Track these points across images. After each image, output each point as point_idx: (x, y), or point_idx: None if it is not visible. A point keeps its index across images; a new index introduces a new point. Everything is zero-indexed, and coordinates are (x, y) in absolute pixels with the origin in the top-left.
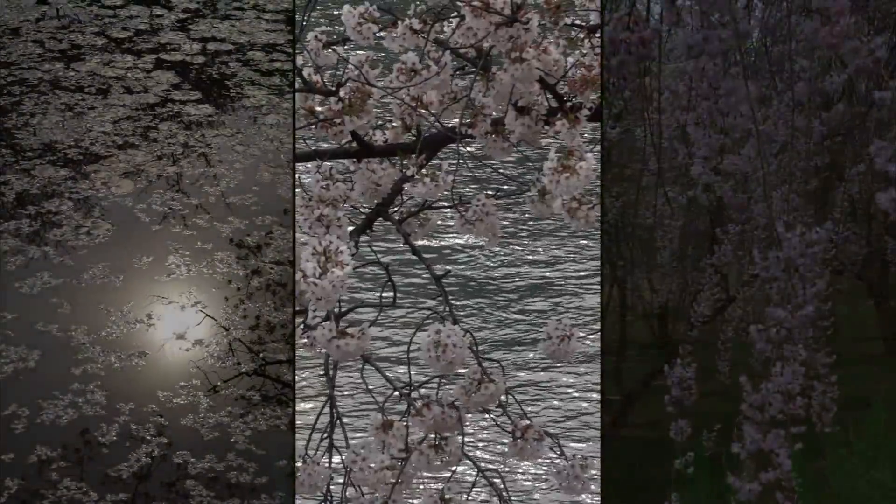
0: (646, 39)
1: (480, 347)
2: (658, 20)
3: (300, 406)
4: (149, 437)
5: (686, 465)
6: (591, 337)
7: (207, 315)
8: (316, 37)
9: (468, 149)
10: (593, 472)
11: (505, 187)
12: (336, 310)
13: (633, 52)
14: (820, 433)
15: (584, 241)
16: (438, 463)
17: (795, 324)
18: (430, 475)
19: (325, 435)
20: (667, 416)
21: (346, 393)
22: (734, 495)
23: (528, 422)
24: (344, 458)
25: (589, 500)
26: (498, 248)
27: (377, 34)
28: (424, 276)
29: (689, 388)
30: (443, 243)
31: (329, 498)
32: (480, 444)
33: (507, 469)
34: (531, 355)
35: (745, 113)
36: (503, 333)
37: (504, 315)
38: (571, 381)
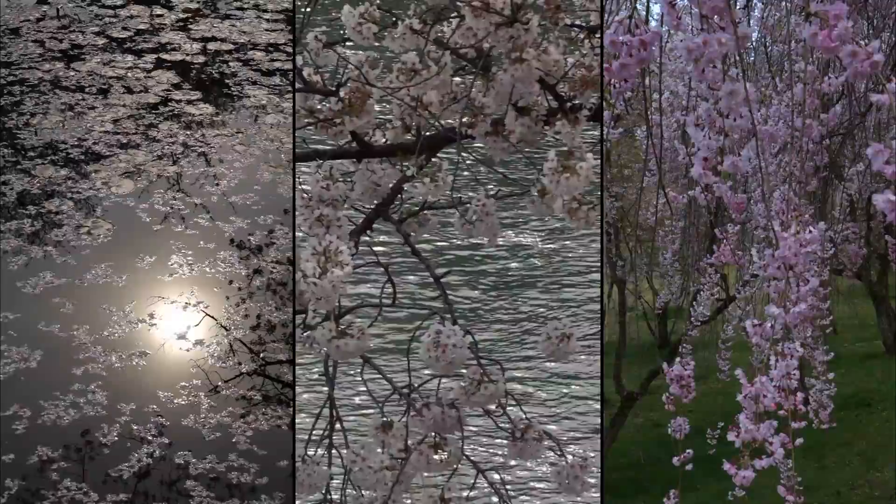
0: (646, 42)
1: None
2: (658, 21)
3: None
4: (150, 438)
5: (684, 464)
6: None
7: (208, 315)
8: (316, 37)
9: (473, 154)
10: (593, 471)
11: (503, 189)
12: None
13: (634, 54)
14: (818, 431)
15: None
16: (438, 463)
17: (790, 321)
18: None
19: (325, 435)
20: (666, 416)
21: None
22: (738, 489)
23: (528, 422)
24: (344, 458)
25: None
26: None
27: (377, 34)
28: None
29: (688, 385)
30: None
31: (329, 498)
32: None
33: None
34: None
35: (744, 114)
36: None
37: None
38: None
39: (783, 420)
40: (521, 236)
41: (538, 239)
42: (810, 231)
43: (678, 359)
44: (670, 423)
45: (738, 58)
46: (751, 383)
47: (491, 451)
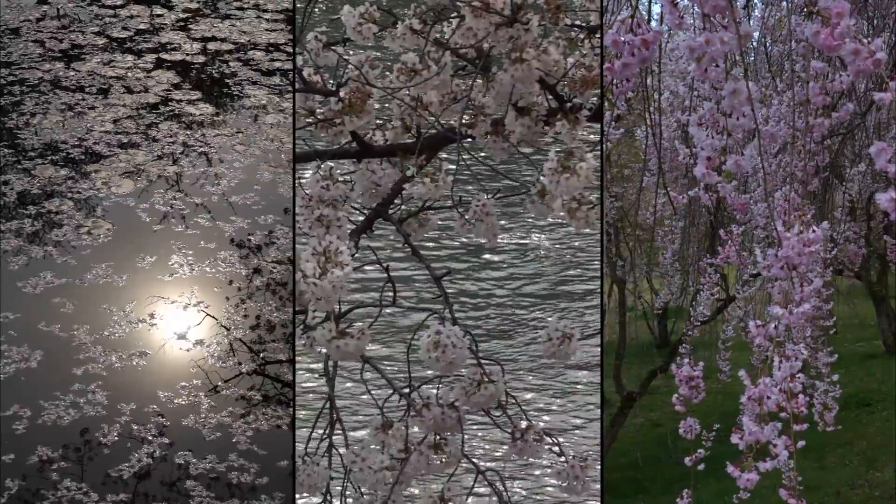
0: (648, 41)
1: None
2: (658, 21)
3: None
4: (150, 438)
5: (696, 464)
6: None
7: (208, 315)
8: (316, 37)
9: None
10: (593, 472)
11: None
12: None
13: (636, 53)
14: (819, 431)
15: None
16: (438, 463)
17: (793, 321)
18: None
19: (325, 435)
20: (666, 416)
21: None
22: (742, 491)
23: (528, 422)
24: (344, 458)
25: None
26: None
27: (377, 34)
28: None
29: (698, 386)
30: None
31: (329, 498)
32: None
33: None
34: None
35: (747, 114)
36: None
37: None
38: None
39: (785, 421)
40: (523, 237)
41: (544, 239)
42: (814, 231)
43: (686, 360)
44: (680, 423)
45: (738, 57)
46: (754, 385)
47: (486, 448)
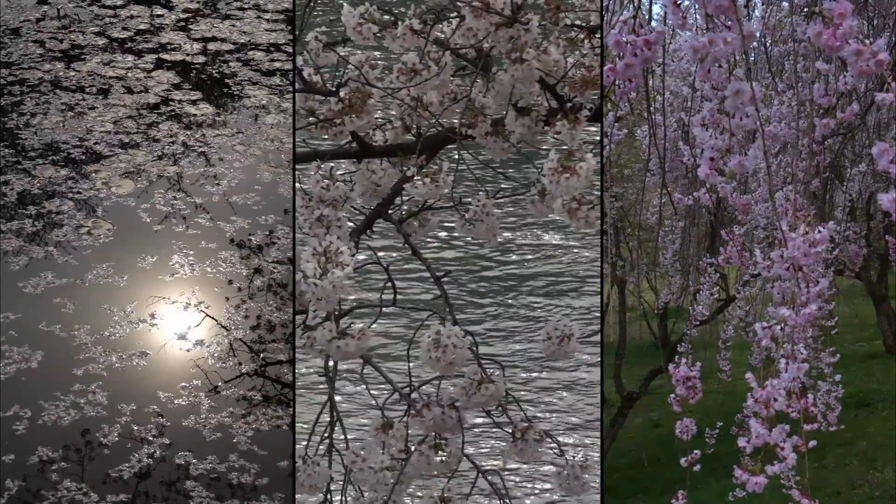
0: (651, 41)
1: None
2: (658, 21)
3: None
4: (150, 438)
5: (692, 465)
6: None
7: (208, 315)
8: (316, 37)
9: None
10: (593, 472)
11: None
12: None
13: (639, 53)
14: (818, 430)
15: None
16: (438, 463)
17: (798, 322)
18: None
19: (326, 435)
20: (667, 416)
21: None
22: (739, 489)
23: (528, 422)
24: (344, 458)
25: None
26: None
27: (377, 34)
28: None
29: (695, 386)
30: None
31: (329, 498)
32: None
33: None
34: None
35: (750, 114)
36: None
37: None
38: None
39: (794, 422)
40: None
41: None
42: (819, 231)
43: (684, 360)
44: (677, 424)
45: (739, 57)
46: (762, 387)
47: (485, 449)
